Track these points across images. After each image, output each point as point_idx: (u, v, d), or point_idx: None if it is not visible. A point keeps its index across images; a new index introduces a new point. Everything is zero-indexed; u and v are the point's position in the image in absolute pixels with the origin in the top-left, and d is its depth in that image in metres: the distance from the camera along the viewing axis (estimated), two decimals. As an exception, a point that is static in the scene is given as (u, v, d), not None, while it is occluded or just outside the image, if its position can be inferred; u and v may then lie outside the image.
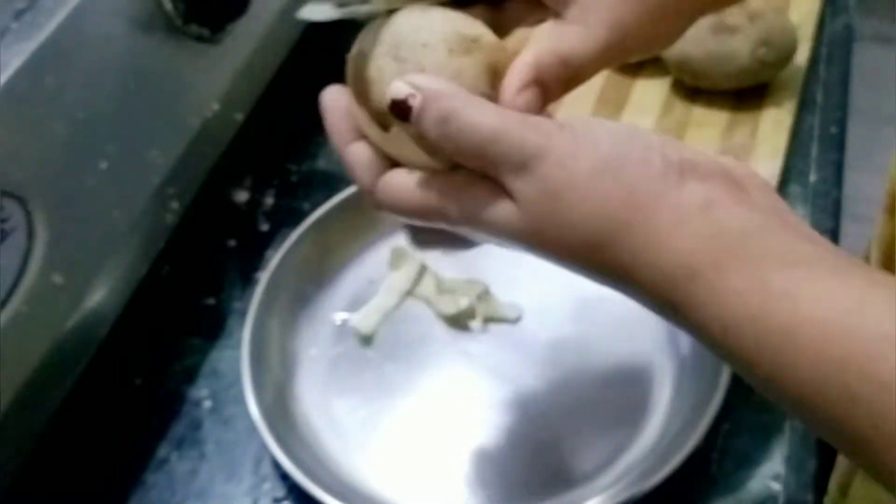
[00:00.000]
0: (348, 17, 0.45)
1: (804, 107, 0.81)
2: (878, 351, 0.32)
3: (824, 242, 0.37)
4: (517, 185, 0.38)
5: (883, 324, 0.32)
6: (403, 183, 0.42)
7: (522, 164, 0.38)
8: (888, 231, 0.66)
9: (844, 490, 0.58)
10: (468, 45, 0.42)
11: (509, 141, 0.38)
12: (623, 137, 0.39)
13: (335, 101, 0.45)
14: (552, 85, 0.42)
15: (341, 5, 0.44)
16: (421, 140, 0.40)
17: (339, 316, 0.70)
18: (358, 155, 0.44)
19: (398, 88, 0.40)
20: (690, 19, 0.46)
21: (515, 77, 0.41)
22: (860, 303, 0.33)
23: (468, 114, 0.39)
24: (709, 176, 0.38)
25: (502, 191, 0.39)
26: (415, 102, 0.39)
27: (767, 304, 0.34)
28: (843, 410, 0.32)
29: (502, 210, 0.39)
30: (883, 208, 0.66)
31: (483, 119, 0.39)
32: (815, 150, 0.79)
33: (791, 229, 0.37)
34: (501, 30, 0.45)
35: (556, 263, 0.40)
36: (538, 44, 0.42)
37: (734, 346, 0.35)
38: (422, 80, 0.40)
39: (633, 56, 0.45)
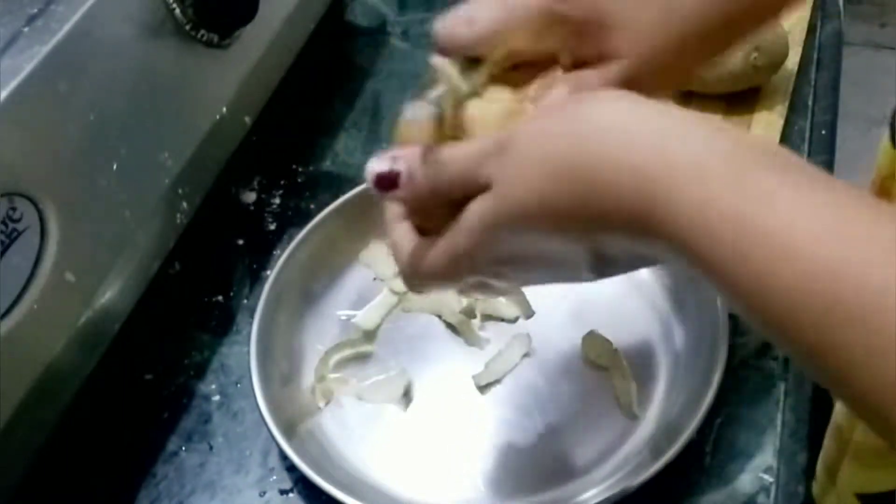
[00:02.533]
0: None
1: (795, 110, 0.82)
2: (860, 259, 0.31)
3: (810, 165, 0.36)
4: (490, 170, 0.40)
5: (864, 233, 0.31)
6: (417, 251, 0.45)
7: (496, 152, 0.40)
8: None
9: (833, 474, 0.58)
10: None
11: (478, 146, 0.41)
12: (587, 103, 0.41)
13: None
14: None
15: (434, 104, 0.47)
16: (412, 201, 0.43)
17: (344, 313, 0.71)
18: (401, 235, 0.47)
19: (377, 163, 0.43)
20: (707, 56, 0.49)
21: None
22: (840, 209, 0.33)
23: (451, 152, 0.42)
24: (678, 110, 0.39)
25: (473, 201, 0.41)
26: (401, 167, 0.42)
27: (744, 209, 0.33)
28: (820, 320, 0.31)
29: (478, 201, 0.41)
30: None
31: (454, 147, 0.42)
32: (805, 153, 0.79)
33: (777, 153, 0.37)
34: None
35: (534, 228, 0.40)
36: (563, 80, 0.46)
37: (709, 256, 0.34)
38: (394, 151, 0.43)
39: (654, 93, 0.48)
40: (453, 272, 0.44)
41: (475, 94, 0.46)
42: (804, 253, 0.32)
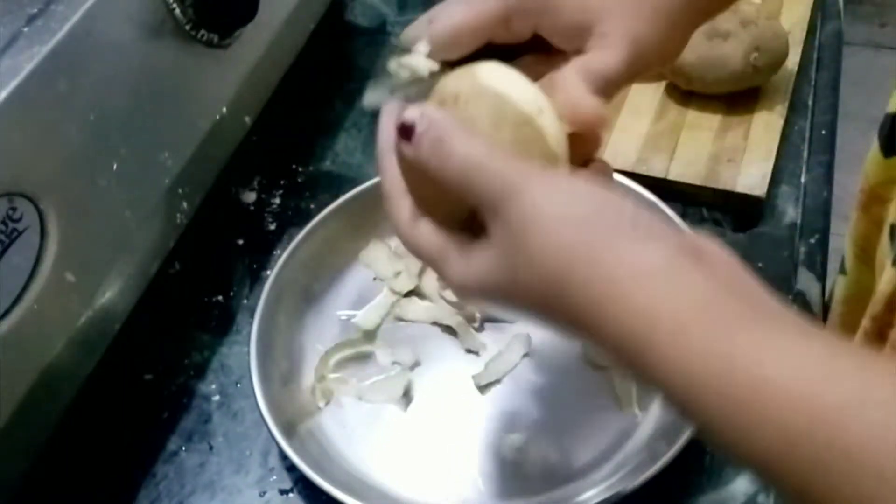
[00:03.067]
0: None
1: (795, 110, 0.82)
2: (846, 413, 0.31)
3: (786, 308, 0.36)
4: (491, 223, 0.40)
5: (849, 385, 0.32)
6: (419, 229, 0.45)
7: (499, 200, 0.40)
8: (862, 227, 0.68)
9: None
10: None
11: (488, 174, 0.40)
12: (600, 197, 0.40)
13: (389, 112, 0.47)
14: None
15: (394, 90, 0.48)
16: (419, 164, 0.42)
17: (344, 313, 0.71)
18: (391, 168, 0.46)
19: (411, 113, 0.42)
20: (693, 27, 0.50)
21: (574, 88, 0.45)
22: (826, 369, 0.32)
23: (459, 141, 0.41)
24: (673, 243, 0.38)
25: (481, 239, 0.41)
26: (421, 125, 0.42)
27: (731, 365, 0.33)
28: (809, 474, 0.31)
29: (478, 251, 0.41)
30: (857, 205, 0.68)
31: (471, 149, 0.41)
32: (805, 152, 0.80)
33: (754, 296, 0.37)
34: None
35: (525, 311, 0.41)
36: (570, 65, 0.46)
37: (697, 406, 0.34)
38: (432, 111, 0.43)
39: (652, 68, 0.49)
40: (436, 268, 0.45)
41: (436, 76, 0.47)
42: (786, 409, 0.32)
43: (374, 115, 0.48)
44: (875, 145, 0.65)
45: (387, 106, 0.47)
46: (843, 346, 0.34)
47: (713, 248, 0.38)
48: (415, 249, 0.45)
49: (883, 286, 0.60)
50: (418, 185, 0.45)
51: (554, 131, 0.44)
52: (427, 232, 0.44)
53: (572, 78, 0.46)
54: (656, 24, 0.47)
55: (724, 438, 0.34)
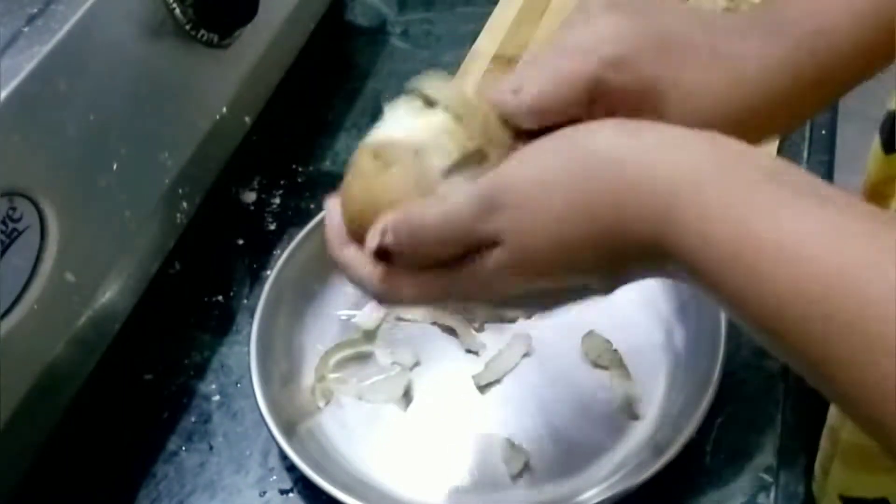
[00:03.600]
0: None
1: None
2: (858, 273, 0.31)
3: (801, 172, 0.36)
4: (492, 226, 0.39)
5: (864, 246, 0.32)
6: (407, 280, 0.43)
7: (490, 208, 0.39)
8: None
9: (826, 471, 0.59)
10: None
11: (464, 206, 0.40)
12: (565, 137, 0.40)
13: (332, 209, 0.47)
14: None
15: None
16: (418, 263, 0.42)
17: (344, 312, 0.71)
18: (350, 256, 0.45)
19: (371, 239, 0.42)
20: (776, 129, 0.48)
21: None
22: (842, 222, 0.33)
23: (422, 215, 0.40)
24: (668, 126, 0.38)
25: (489, 252, 0.40)
26: (388, 240, 0.41)
27: (747, 219, 0.34)
28: (817, 331, 0.31)
29: (490, 257, 0.40)
30: None
31: (437, 210, 0.40)
32: (805, 152, 0.79)
33: (764, 161, 0.37)
34: None
35: (551, 272, 0.40)
36: None
37: (711, 265, 0.34)
38: (384, 219, 0.41)
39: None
40: (442, 302, 0.45)
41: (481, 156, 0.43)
42: (803, 262, 0.32)
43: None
44: (876, 142, 0.65)
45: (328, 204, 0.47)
46: (855, 210, 0.34)
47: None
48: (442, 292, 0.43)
49: None
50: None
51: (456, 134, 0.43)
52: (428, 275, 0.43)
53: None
54: (742, 124, 0.43)
55: (736, 301, 0.34)
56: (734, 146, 0.37)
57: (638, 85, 0.43)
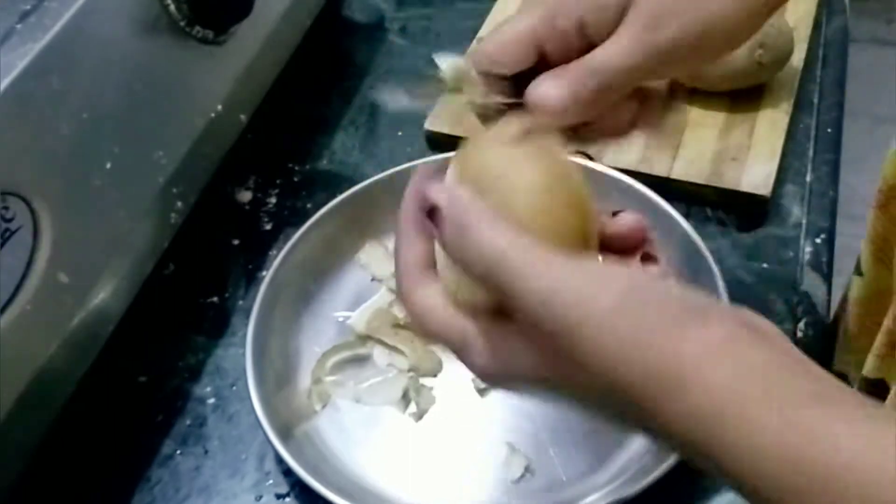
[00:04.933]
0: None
1: (800, 108, 0.82)
2: None
3: (842, 384, 0.35)
4: (521, 321, 0.38)
5: None
6: (436, 303, 0.41)
7: (523, 303, 0.37)
8: (880, 227, 0.67)
9: None
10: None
11: (512, 274, 0.37)
12: (642, 280, 0.38)
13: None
14: (584, 93, 0.43)
15: (412, 96, 0.46)
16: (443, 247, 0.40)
17: (341, 314, 0.70)
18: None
19: (437, 193, 0.40)
20: (732, 43, 0.46)
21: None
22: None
23: (482, 229, 0.38)
24: (728, 316, 0.36)
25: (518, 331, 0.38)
26: (445, 207, 0.39)
27: (808, 443, 0.32)
28: None
29: (511, 338, 0.38)
30: (875, 205, 0.67)
31: (494, 239, 0.37)
32: (811, 151, 0.79)
33: (812, 370, 0.35)
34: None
35: (577, 403, 0.39)
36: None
37: (770, 487, 0.33)
38: (460, 192, 0.40)
39: (671, 74, 0.46)
40: (445, 343, 0.42)
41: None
42: (877, 491, 0.31)
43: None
44: (893, 144, 0.65)
45: (420, 168, 0.44)
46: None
47: (766, 323, 0.36)
48: (432, 324, 0.42)
49: None
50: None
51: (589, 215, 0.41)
52: (447, 311, 0.41)
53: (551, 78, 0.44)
54: (683, 36, 0.43)
55: None
56: (779, 350, 0.35)
57: (576, 27, 0.45)
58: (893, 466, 0.30)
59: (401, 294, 0.43)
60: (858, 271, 0.71)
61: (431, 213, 0.40)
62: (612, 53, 0.44)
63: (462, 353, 0.41)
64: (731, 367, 0.34)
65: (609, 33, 0.44)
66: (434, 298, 0.42)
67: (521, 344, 0.38)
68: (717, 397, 0.34)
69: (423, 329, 0.42)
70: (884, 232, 0.67)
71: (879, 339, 0.61)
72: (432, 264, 0.42)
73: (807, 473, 0.32)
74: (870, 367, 0.65)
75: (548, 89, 0.44)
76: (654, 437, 0.37)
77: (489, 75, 0.46)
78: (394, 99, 0.47)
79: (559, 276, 0.36)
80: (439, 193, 0.40)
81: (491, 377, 0.41)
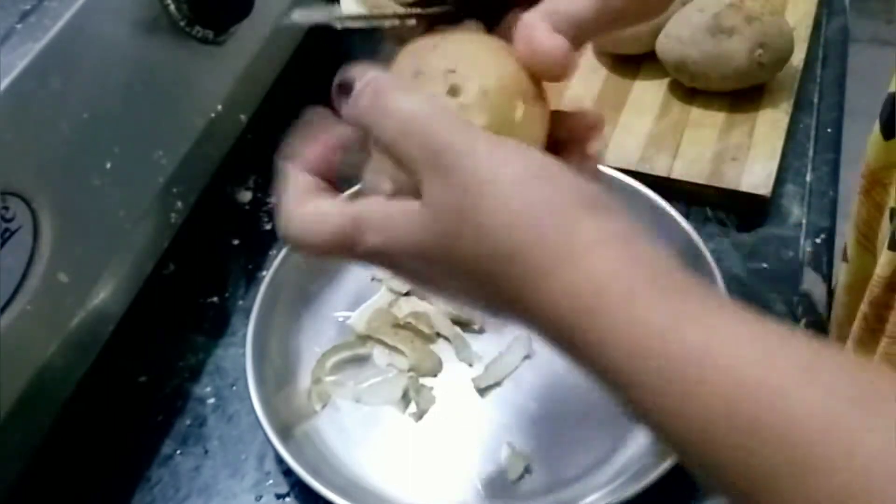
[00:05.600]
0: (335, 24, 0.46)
1: (800, 107, 0.82)
2: (774, 399, 0.31)
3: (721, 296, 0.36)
4: (429, 182, 0.37)
5: (783, 374, 0.31)
6: (321, 205, 0.41)
7: (443, 155, 0.36)
8: (864, 212, 0.67)
9: None
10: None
11: (432, 128, 0.37)
12: (557, 168, 0.38)
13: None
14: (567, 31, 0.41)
15: (339, 18, 0.45)
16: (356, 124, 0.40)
17: (341, 314, 0.70)
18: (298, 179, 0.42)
19: (351, 71, 0.40)
20: None
21: (535, 29, 0.41)
22: (776, 341, 0.32)
23: (402, 97, 0.38)
24: (625, 219, 0.37)
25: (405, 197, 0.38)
26: (359, 83, 0.39)
27: (675, 335, 0.33)
28: (745, 443, 0.31)
29: (404, 211, 0.38)
30: (859, 191, 0.67)
31: (414, 105, 0.38)
32: (811, 151, 0.79)
33: (686, 274, 0.36)
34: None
35: (455, 284, 0.38)
36: (534, 8, 0.42)
37: (637, 374, 0.33)
38: (374, 71, 0.40)
39: (629, 22, 0.44)
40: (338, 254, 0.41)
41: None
42: (725, 375, 0.31)
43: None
44: (876, 128, 0.65)
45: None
46: (778, 329, 0.33)
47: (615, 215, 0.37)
48: (309, 227, 0.40)
49: (880, 269, 0.59)
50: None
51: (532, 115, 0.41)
52: (336, 206, 0.40)
53: (534, 20, 0.41)
54: None
55: (655, 411, 0.33)
56: (667, 260, 0.36)
57: None
58: (750, 360, 0.31)
59: (283, 224, 0.41)
60: (845, 257, 0.71)
61: (343, 89, 0.40)
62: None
63: (357, 238, 0.39)
64: (617, 258, 0.35)
65: None
66: (319, 204, 0.41)
67: (417, 217, 0.37)
68: (597, 281, 0.34)
69: (312, 237, 0.40)
70: (868, 217, 0.67)
71: (857, 324, 0.61)
72: (313, 190, 0.42)
73: (670, 361, 0.32)
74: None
75: (550, 46, 0.41)
76: (520, 319, 0.37)
77: None
78: (307, 15, 0.45)
79: (479, 136, 0.37)
80: (354, 70, 0.40)
81: (378, 255, 0.39)
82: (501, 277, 0.36)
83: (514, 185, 0.36)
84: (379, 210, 0.39)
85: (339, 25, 0.46)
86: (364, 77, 0.40)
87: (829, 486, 0.29)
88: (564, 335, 0.35)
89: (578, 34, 0.42)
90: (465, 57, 0.41)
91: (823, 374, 0.31)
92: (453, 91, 0.40)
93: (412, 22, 0.45)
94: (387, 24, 0.45)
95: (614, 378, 0.34)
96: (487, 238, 0.36)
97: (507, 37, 0.43)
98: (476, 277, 0.37)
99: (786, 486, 0.30)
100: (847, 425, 0.30)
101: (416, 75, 0.41)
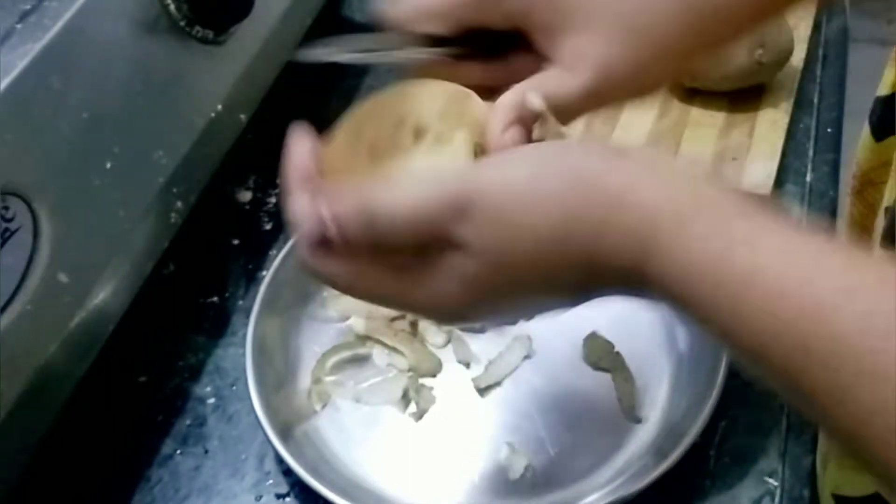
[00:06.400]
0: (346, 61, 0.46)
1: (800, 107, 0.82)
2: (833, 303, 0.32)
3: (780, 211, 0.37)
4: (461, 231, 0.38)
5: (839, 277, 0.32)
6: (344, 262, 0.41)
7: (460, 211, 0.38)
8: (856, 213, 0.67)
9: (825, 464, 0.59)
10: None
11: (435, 203, 0.38)
12: (548, 146, 0.39)
13: (303, 140, 0.44)
14: (532, 124, 0.42)
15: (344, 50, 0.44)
16: (361, 257, 0.40)
17: (342, 314, 0.70)
18: (302, 204, 0.42)
19: (310, 227, 0.39)
20: (689, 59, 0.45)
21: (499, 116, 0.41)
22: (818, 255, 0.33)
23: (385, 203, 0.38)
24: (652, 151, 0.38)
25: (443, 256, 0.39)
26: (331, 231, 0.39)
27: (728, 251, 0.34)
28: (797, 362, 0.32)
29: (451, 263, 0.39)
30: (850, 192, 0.67)
31: (400, 199, 0.38)
32: (811, 150, 0.79)
33: (741, 194, 0.37)
34: (501, 83, 0.44)
35: (521, 286, 0.39)
36: (521, 85, 0.42)
37: (694, 295, 0.35)
38: (326, 206, 0.39)
39: (624, 97, 0.45)
40: (375, 299, 0.43)
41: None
42: (779, 295, 0.33)
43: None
44: (866, 130, 0.65)
45: (295, 136, 0.44)
46: (832, 244, 0.35)
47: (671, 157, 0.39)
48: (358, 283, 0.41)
49: None
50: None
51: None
52: (368, 263, 0.41)
53: (502, 106, 0.42)
54: (636, 50, 0.42)
55: (718, 326, 0.35)
56: (712, 182, 0.37)
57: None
58: (803, 273, 0.33)
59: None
60: None
61: (323, 244, 0.40)
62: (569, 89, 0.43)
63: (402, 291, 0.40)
64: (660, 183, 0.36)
65: (544, 48, 0.43)
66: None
67: (462, 254, 0.38)
68: (647, 218, 0.36)
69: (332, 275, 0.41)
70: (861, 218, 0.67)
71: None
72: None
73: (726, 275, 0.34)
74: None
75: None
76: (601, 277, 0.38)
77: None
78: (321, 53, 0.45)
79: (479, 172, 0.39)
80: (314, 219, 0.39)
81: (451, 310, 0.41)
82: (562, 253, 0.37)
83: (529, 185, 0.37)
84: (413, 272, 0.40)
85: (345, 60, 0.46)
86: (332, 221, 0.39)
87: (874, 397, 0.30)
88: (632, 272, 0.37)
89: (565, 113, 0.42)
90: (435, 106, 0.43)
91: (862, 292, 0.32)
92: (417, 134, 0.42)
93: (420, 58, 0.45)
94: (393, 60, 0.45)
95: (677, 299, 0.36)
96: (534, 234, 0.37)
97: (504, 71, 0.44)
98: (539, 266, 0.38)
99: (837, 399, 0.31)
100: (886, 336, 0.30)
101: (397, 126, 0.43)
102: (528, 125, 0.42)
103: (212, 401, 0.67)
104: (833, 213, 0.75)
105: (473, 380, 0.65)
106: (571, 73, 0.42)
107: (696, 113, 0.81)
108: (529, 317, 0.46)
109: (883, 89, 0.63)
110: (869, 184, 0.66)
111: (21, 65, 0.53)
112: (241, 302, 0.72)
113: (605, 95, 0.43)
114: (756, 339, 0.33)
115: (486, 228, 0.38)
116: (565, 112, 0.42)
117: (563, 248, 0.37)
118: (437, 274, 0.39)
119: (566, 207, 0.37)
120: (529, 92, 0.42)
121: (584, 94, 0.42)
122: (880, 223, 0.62)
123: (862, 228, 0.68)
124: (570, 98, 0.42)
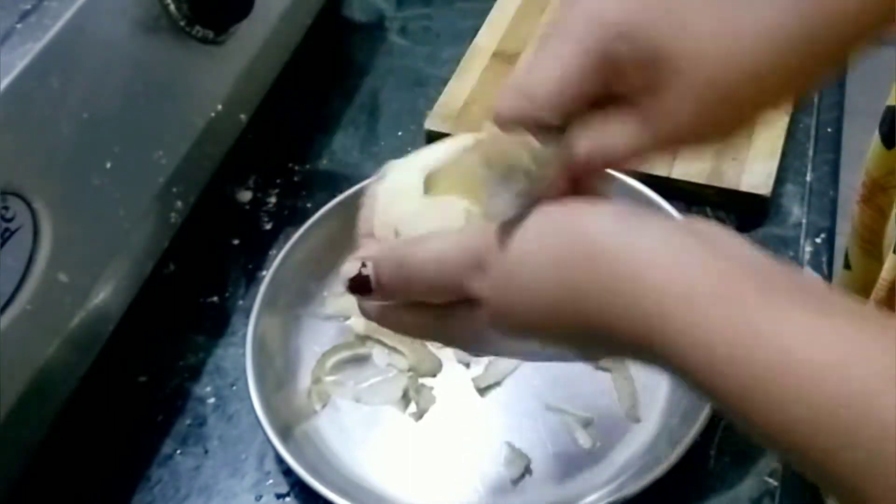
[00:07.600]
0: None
1: (800, 107, 0.82)
2: (875, 389, 0.30)
3: (799, 277, 0.35)
4: (476, 286, 0.40)
5: (877, 362, 0.30)
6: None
7: (477, 266, 0.40)
8: (867, 219, 0.67)
9: None
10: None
11: (455, 256, 0.41)
12: (566, 212, 0.39)
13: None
14: (589, 174, 0.42)
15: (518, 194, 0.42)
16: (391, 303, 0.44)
17: (342, 314, 0.70)
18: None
19: (348, 268, 0.44)
20: (760, 110, 0.44)
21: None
22: (852, 342, 0.31)
23: (412, 253, 0.42)
24: (670, 224, 0.37)
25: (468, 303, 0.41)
26: (368, 270, 0.43)
27: (754, 339, 0.32)
28: (836, 453, 0.30)
29: (466, 312, 0.41)
30: (859, 199, 0.67)
31: (427, 252, 0.42)
32: (811, 151, 0.79)
33: (764, 269, 0.35)
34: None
35: (534, 340, 0.41)
36: (580, 135, 0.41)
37: (719, 384, 0.33)
38: (364, 250, 0.44)
39: (685, 148, 0.43)
40: (421, 337, 0.48)
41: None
42: (808, 387, 0.31)
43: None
44: (876, 138, 0.65)
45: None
46: (863, 319, 0.33)
47: (710, 226, 0.37)
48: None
49: (886, 273, 0.59)
50: None
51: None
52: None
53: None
54: (704, 112, 0.40)
55: (747, 416, 0.33)
56: (728, 250, 0.36)
57: (650, 54, 0.39)
58: (837, 357, 0.31)
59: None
60: (847, 265, 0.71)
61: (359, 284, 0.44)
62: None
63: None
64: (670, 268, 0.35)
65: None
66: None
67: (481, 303, 0.41)
68: (657, 299, 0.34)
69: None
70: (871, 224, 0.67)
71: None
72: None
73: (754, 366, 0.32)
74: None
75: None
76: (608, 343, 0.38)
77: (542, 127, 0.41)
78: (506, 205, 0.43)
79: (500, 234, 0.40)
80: (356, 263, 0.43)
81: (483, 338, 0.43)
82: (567, 319, 0.38)
83: (539, 244, 0.39)
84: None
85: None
86: (369, 262, 0.43)
87: None
88: (643, 347, 0.36)
89: (621, 162, 0.42)
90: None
91: None
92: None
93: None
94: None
95: (698, 385, 0.34)
96: (540, 291, 0.38)
97: None
98: (549, 327, 0.39)
99: (880, 483, 0.30)
100: None
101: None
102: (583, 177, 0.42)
103: (212, 401, 0.67)
104: (832, 213, 0.75)
105: (473, 380, 0.65)
106: (633, 126, 0.41)
107: (696, 113, 0.81)
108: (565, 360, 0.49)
109: (893, 99, 0.63)
110: (880, 190, 0.66)
111: (21, 65, 0.53)
112: (241, 302, 0.72)
113: (662, 147, 0.42)
114: (791, 430, 0.32)
115: (499, 283, 0.39)
116: (622, 161, 0.42)
117: (570, 314, 0.38)
118: (458, 319, 0.42)
119: (575, 274, 0.37)
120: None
121: (641, 146, 0.41)
122: (892, 228, 0.62)
123: (871, 234, 0.67)
124: (626, 150, 0.41)
